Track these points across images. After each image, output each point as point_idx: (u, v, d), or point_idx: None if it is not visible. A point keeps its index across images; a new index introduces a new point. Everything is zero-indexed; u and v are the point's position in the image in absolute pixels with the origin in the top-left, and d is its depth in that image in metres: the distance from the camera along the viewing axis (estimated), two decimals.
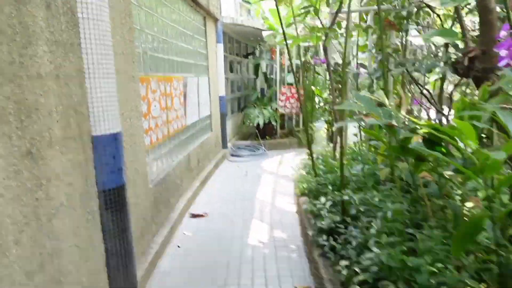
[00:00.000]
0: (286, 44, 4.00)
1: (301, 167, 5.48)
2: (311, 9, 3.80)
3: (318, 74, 8.78)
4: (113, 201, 2.67)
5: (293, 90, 9.29)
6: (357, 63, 5.31)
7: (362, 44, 6.01)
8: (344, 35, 4.24)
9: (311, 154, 4.18)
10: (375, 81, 4.70)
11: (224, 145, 8.17)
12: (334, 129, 5.29)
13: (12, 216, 1.70)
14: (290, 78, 9.13)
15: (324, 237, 3.11)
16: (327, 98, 4.99)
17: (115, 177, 2.68)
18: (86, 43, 2.46)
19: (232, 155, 8.41)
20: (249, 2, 9.42)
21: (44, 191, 1.95)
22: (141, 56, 3.86)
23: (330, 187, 3.65)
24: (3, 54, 1.71)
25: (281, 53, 9.36)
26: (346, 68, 4.83)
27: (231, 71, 9.90)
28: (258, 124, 8.96)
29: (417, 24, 3.71)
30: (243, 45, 11.28)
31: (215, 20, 7.64)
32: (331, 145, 5.71)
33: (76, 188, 2.29)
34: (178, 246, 4.02)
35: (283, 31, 3.83)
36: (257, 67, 11.03)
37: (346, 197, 2.99)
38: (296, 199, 5.03)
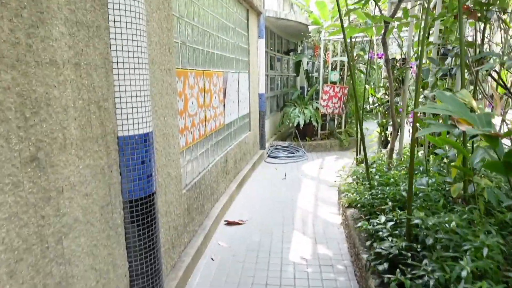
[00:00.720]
0: (345, 37, 3.46)
1: (347, 173, 4.94)
2: None
3: (373, 68, 8.10)
4: (141, 212, 2.28)
5: (337, 89, 8.69)
6: (419, 58, 4.67)
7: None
8: (420, 23, 3.66)
9: (365, 162, 3.63)
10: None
11: (262, 146, 7.73)
12: (389, 133, 4.70)
13: (6, 241, 1.31)
14: (334, 76, 8.54)
15: (385, 265, 2.57)
16: (381, 98, 4.42)
17: (144, 184, 2.28)
18: (116, 27, 2.06)
19: (270, 156, 7.95)
20: None
21: (53, 206, 1.56)
22: (179, 47, 3.46)
23: (389, 203, 3.10)
24: (2, 32, 1.32)
25: (325, 49, 8.77)
26: (408, 65, 4.22)
27: (271, 68, 9.43)
28: (298, 124, 8.44)
29: (504, 11, 3.07)
30: (284, 41, 10.78)
31: (258, 13, 7.18)
32: (384, 151, 5.11)
33: (95, 200, 1.90)
34: (212, 259, 3.60)
35: (341, 21, 3.31)
36: (298, 64, 10.49)
37: (417, 220, 2.43)
38: (342, 210, 4.49)
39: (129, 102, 2.15)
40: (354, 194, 3.91)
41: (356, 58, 8.91)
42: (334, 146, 8.77)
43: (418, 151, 4.38)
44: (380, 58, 4.16)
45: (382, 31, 3.84)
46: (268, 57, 8.92)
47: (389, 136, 4.81)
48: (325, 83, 8.73)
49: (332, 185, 5.93)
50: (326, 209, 4.94)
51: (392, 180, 3.53)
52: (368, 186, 3.52)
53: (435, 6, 4.80)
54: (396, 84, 5.07)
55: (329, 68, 8.67)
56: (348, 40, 9.02)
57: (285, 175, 6.49)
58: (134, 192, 2.23)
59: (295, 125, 8.47)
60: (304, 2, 8.88)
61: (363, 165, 4.43)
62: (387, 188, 3.35)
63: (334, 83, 8.76)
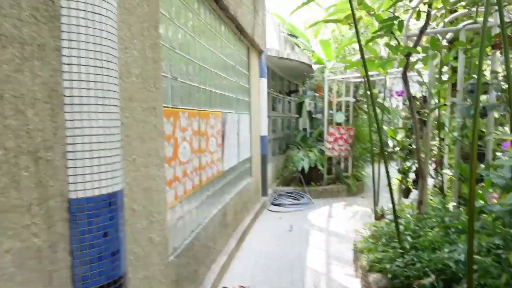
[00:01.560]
0: (366, 69, 2.91)
1: (365, 228, 4.24)
2: (396, 22, 2.73)
3: (385, 108, 7.62)
4: None
5: (342, 131, 8.14)
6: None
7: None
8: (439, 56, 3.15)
9: (394, 218, 2.93)
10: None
11: (265, 192, 7.04)
12: (411, 181, 4.05)
13: None
14: (339, 118, 8.03)
15: None
16: (402, 141, 3.84)
17: (108, 266, 1.61)
18: (71, 48, 1.49)
19: (274, 204, 7.24)
20: (295, 36, 8.61)
21: None
22: (169, 83, 2.90)
23: (432, 275, 2.40)
24: None
25: (329, 90, 8.32)
26: (429, 105, 3.67)
27: (273, 109, 8.95)
28: (303, 169, 7.81)
29: None
30: (286, 82, 10.40)
31: (259, 52, 6.78)
32: (406, 201, 4.45)
33: None
34: None
35: (362, 53, 2.77)
36: (300, 105, 10.05)
37: None
38: (362, 273, 3.74)
39: (88, 150, 1.53)
40: (378, 257, 3.21)
41: (360, 99, 8.45)
42: (341, 192, 8.07)
43: (445, 202, 3.72)
44: (399, 95, 3.64)
45: (403, 66, 3.32)
46: (270, 97, 8.46)
47: (411, 184, 4.16)
48: (330, 124, 8.20)
49: (345, 238, 5.19)
50: (340, 269, 4.19)
51: (429, 242, 2.83)
52: (400, 250, 2.81)
53: (453, 39, 4.34)
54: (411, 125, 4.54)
55: (334, 109, 8.17)
56: (357, 80, 8.62)
57: (291, 227, 5.76)
58: (91, 279, 1.55)
59: (299, 169, 7.83)
60: (307, 42, 8.56)
61: (386, 220, 3.74)
62: (425, 253, 2.65)
63: (339, 124, 8.23)
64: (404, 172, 4.05)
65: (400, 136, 4.29)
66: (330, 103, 8.35)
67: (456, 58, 4.16)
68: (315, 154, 7.95)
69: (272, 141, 8.76)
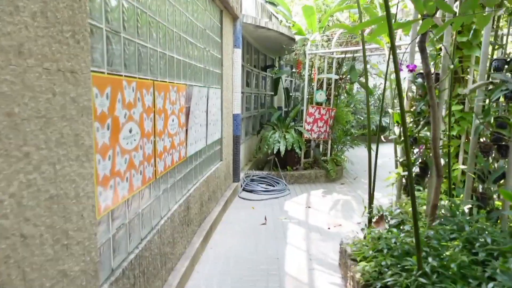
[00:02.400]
0: (391, 32, 2.12)
1: (357, 232, 3.59)
2: None
3: (370, 91, 6.95)
4: None
5: (323, 111, 7.44)
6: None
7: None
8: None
9: (415, 232, 2.17)
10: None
11: (236, 177, 6.28)
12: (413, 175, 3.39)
13: None
14: (319, 97, 7.30)
15: None
16: (411, 128, 3.15)
17: None
18: None
19: (245, 190, 6.50)
20: (273, 4, 7.66)
21: None
22: (104, 38, 2.02)
23: None
24: None
25: (311, 66, 7.54)
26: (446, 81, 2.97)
27: (247, 85, 8.09)
28: (278, 151, 7.08)
29: None
30: (261, 56, 9.51)
31: (234, 17, 5.86)
32: (405, 198, 3.80)
33: None
34: None
35: (388, 10, 1.98)
36: (277, 82, 9.22)
37: None
38: (354, 286, 3.09)
39: None
40: (374, 266, 2.54)
41: (343, 76, 7.74)
42: (319, 177, 7.44)
43: (457, 205, 3.07)
44: (411, 71, 2.93)
45: (423, 31, 2.57)
46: (244, 72, 7.59)
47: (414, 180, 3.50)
48: (309, 103, 7.46)
49: (327, 235, 4.55)
50: (325, 277, 3.53)
51: (458, 266, 2.13)
52: (419, 276, 2.10)
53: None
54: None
55: (315, 87, 7.42)
56: (340, 56, 7.86)
57: (265, 219, 5.05)
58: None
59: (274, 152, 7.10)
60: (287, 11, 7.65)
61: (392, 229, 3.06)
62: (457, 287, 1.96)
63: (319, 104, 7.52)
64: (405, 165, 3.39)
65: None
66: (310, 80, 7.59)
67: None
68: (292, 135, 7.21)
69: (245, 119, 7.95)
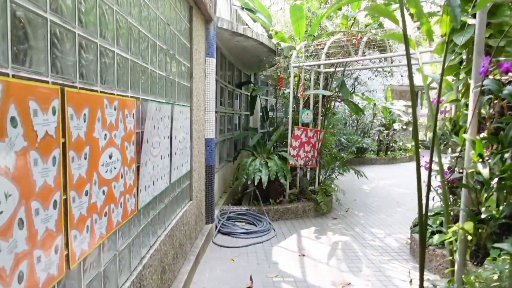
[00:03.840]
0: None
1: None
2: None
3: (356, 110, 5.87)
4: None
5: (310, 133, 6.32)
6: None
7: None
8: None
9: None
10: None
11: (210, 218, 4.96)
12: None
13: None
14: (305, 117, 6.19)
15: None
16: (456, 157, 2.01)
17: None
18: None
19: (221, 232, 5.18)
20: (252, 11, 6.53)
21: None
22: None
23: None
24: None
25: (296, 81, 6.45)
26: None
27: (221, 103, 6.88)
28: (260, 182, 5.84)
29: None
30: (236, 72, 8.38)
31: (207, 19, 4.68)
32: (473, 267, 2.61)
33: None
34: None
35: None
36: (253, 100, 8.07)
37: None
38: None
39: None
40: None
41: (334, 94, 6.70)
42: (308, 212, 6.24)
43: None
44: (506, 71, 1.86)
45: None
46: (218, 87, 6.38)
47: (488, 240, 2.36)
48: (295, 125, 6.32)
49: None
50: None
51: None
52: None
53: None
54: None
55: (301, 105, 6.31)
56: (327, 70, 6.81)
57: (251, 280, 3.75)
58: None
59: (255, 183, 5.85)
60: (267, 19, 6.56)
61: None
62: None
63: (305, 125, 6.41)
64: (480, 214, 2.24)
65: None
66: (295, 97, 6.48)
67: None
68: (275, 162, 6.01)
69: (219, 144, 6.68)
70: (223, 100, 7.14)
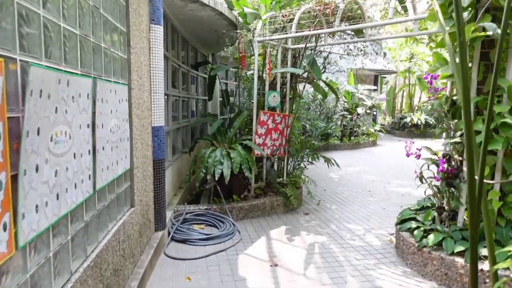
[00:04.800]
0: None
1: None
2: None
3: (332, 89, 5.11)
4: None
5: (277, 118, 5.50)
6: None
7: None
8: None
9: None
10: None
11: (161, 224, 4.02)
12: None
13: None
14: (272, 100, 5.35)
15: None
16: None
17: None
18: None
19: (175, 240, 4.26)
20: None
21: None
22: None
23: None
24: None
25: (263, 57, 5.57)
26: None
27: (173, 85, 5.87)
28: (222, 176, 4.95)
29: None
30: (191, 51, 7.33)
31: None
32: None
33: None
34: None
35: None
36: (212, 82, 7.09)
37: None
38: None
39: None
40: None
41: (308, 74, 5.90)
42: (276, 207, 5.46)
43: None
44: None
45: None
46: (168, 66, 5.35)
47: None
48: (261, 109, 5.47)
49: None
50: None
51: None
52: None
53: None
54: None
55: (266, 87, 5.46)
56: (296, 46, 5.95)
57: None
58: None
59: (216, 177, 4.95)
60: None
61: None
62: None
63: (272, 109, 5.58)
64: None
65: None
66: (260, 78, 5.61)
67: None
68: (239, 153, 5.13)
69: (172, 133, 5.69)
70: (177, 83, 6.12)
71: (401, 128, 16.86)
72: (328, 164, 6.42)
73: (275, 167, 5.81)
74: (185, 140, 6.68)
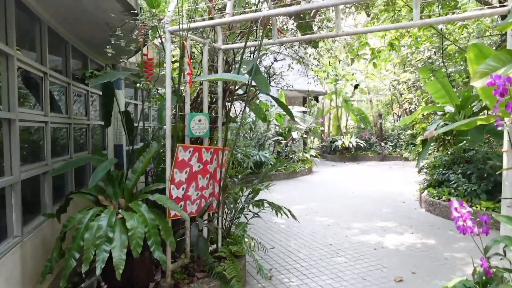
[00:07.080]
0: None
1: None
2: None
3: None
4: None
5: (207, 155, 3.42)
6: None
7: None
8: None
9: None
10: None
11: None
12: None
13: None
14: (197, 126, 3.30)
15: None
16: None
17: None
18: None
19: None
20: None
21: None
22: None
23: None
24: None
25: (180, 58, 3.50)
26: None
27: (38, 102, 3.46)
28: (110, 263, 2.67)
29: None
30: (79, 57, 4.96)
31: None
32: None
33: None
34: None
35: None
36: (110, 100, 4.76)
37: None
38: None
39: None
40: None
41: (247, 88, 3.95)
42: None
43: None
44: None
45: None
46: (15, 70, 2.97)
47: None
48: (180, 141, 3.33)
49: None
50: None
51: None
52: None
53: None
54: None
55: (187, 106, 3.37)
56: (231, 46, 3.81)
57: None
58: None
59: (98, 270, 2.65)
60: None
61: None
62: None
63: (197, 140, 3.49)
64: None
65: None
66: (175, 91, 3.49)
67: None
68: (143, 218, 2.91)
69: (28, 184, 3.23)
70: (42, 101, 3.71)
71: (333, 152, 15.85)
72: (277, 213, 4.46)
73: (205, 231, 3.66)
74: (58, 193, 4.19)
